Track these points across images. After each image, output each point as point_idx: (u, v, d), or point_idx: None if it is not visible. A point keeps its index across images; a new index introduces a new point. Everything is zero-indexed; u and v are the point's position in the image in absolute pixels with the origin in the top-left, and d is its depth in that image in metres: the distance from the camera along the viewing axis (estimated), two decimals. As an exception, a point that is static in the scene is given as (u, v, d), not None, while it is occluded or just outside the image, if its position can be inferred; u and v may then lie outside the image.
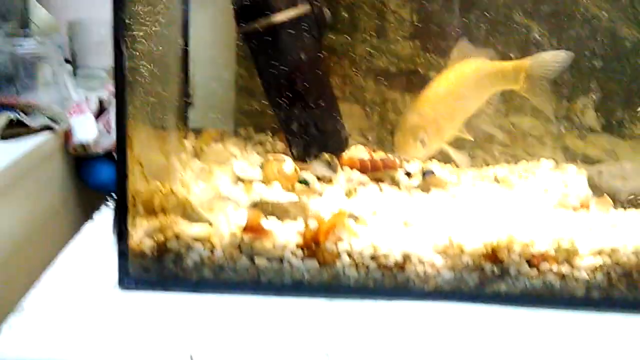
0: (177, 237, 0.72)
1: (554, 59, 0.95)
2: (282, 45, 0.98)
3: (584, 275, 0.72)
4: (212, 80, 1.14)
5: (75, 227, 0.89)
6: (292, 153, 1.03)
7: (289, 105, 1.01)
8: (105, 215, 0.93)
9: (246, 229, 0.72)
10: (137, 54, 0.71)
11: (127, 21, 0.67)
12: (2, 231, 0.85)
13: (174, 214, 0.75)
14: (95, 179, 1.09)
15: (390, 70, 1.11)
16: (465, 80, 0.94)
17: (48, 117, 0.98)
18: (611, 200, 0.90)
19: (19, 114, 0.94)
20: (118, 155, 0.67)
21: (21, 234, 0.90)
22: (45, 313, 0.67)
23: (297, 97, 1.00)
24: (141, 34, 0.72)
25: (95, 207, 0.95)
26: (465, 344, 0.66)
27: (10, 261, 0.87)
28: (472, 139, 0.98)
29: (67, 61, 1.27)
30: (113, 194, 1.02)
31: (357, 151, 1.10)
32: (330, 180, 0.97)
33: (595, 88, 1.09)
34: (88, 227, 0.90)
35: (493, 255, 0.72)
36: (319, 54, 1.04)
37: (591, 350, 0.66)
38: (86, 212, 0.96)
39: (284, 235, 0.73)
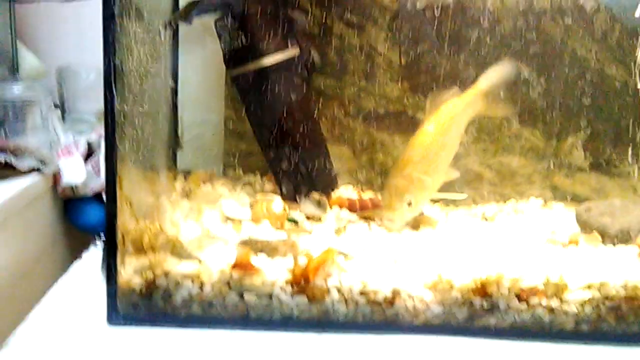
0: (166, 274, 0.71)
1: (499, 69, 0.99)
2: (271, 88, 0.99)
3: (573, 309, 0.72)
4: (200, 122, 1.15)
5: (64, 268, 0.89)
6: (281, 193, 1.04)
7: (278, 146, 1.02)
8: (93, 255, 0.93)
9: (235, 265, 0.72)
10: (127, 95, 0.72)
11: (117, 64, 0.68)
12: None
13: (163, 251, 0.75)
14: (83, 220, 1.09)
15: (378, 112, 1.12)
16: (444, 128, 0.95)
17: (37, 160, 0.99)
18: (600, 237, 0.91)
19: (7, 156, 0.94)
20: (107, 194, 0.68)
21: (9, 275, 0.90)
22: (32, 347, 0.67)
23: (286, 138, 1.02)
24: (131, 77, 0.73)
25: (84, 249, 0.95)
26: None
27: (1, 297, 0.86)
28: (457, 175, 0.99)
29: (56, 106, 1.28)
30: (101, 235, 1.02)
31: (345, 191, 1.11)
32: (319, 219, 0.97)
33: (584, 127, 1.10)
34: (76, 266, 0.90)
35: (482, 290, 0.72)
36: (307, 96, 1.05)
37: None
38: (74, 253, 0.96)
39: (273, 272, 0.73)
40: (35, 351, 0.66)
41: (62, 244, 1.11)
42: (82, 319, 0.73)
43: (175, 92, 1.09)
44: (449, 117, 0.95)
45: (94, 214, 1.09)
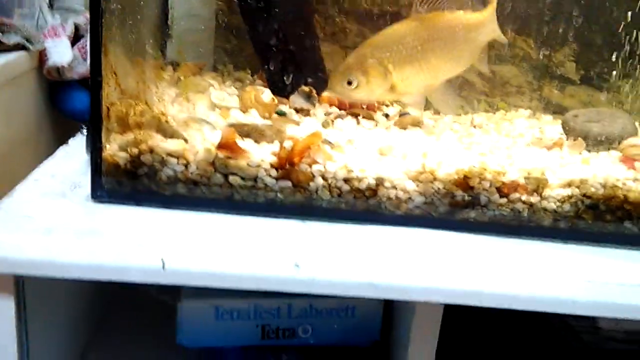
0: (151, 150, 0.71)
1: None
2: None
3: (552, 205, 0.74)
4: (191, 15, 1.12)
5: (49, 152, 0.89)
6: (271, 89, 1.03)
7: (270, 40, 1.00)
8: (79, 141, 0.92)
9: (221, 146, 0.72)
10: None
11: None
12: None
13: (149, 128, 0.74)
14: (69, 106, 1.08)
15: (373, 11, 1.10)
16: (434, 30, 0.90)
17: (23, 37, 0.96)
18: (584, 143, 0.91)
19: (-7, 30, 0.92)
20: (92, 61, 0.66)
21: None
22: (17, 216, 0.67)
23: (279, 33, 0.99)
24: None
25: (70, 136, 0.95)
26: (431, 267, 0.67)
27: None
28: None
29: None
30: (87, 122, 1.01)
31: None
32: (307, 113, 0.96)
33: (577, 37, 1.09)
34: (62, 149, 0.89)
35: (464, 183, 0.73)
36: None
37: (555, 279, 0.67)
38: (60, 139, 0.96)
39: (259, 155, 0.73)
40: (18, 219, 0.67)
41: (48, 129, 1.10)
42: (66, 196, 0.73)
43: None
44: (447, 21, 0.91)
45: (79, 100, 1.08)
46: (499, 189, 0.73)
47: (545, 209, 0.74)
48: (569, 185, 0.74)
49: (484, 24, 0.94)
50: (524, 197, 0.73)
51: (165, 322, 0.88)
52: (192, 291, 0.87)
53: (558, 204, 0.73)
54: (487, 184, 0.73)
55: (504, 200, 0.73)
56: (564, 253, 0.72)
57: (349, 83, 0.89)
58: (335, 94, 0.93)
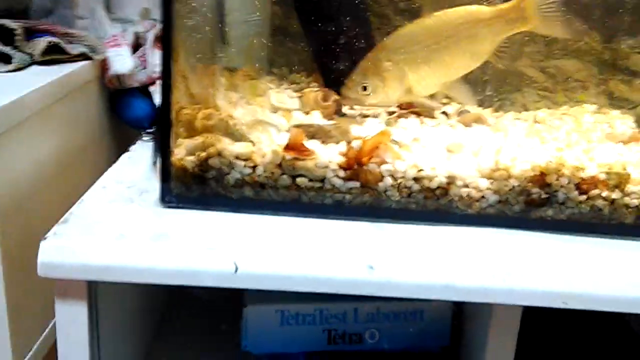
0: (219, 154, 0.71)
1: None
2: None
3: (634, 201, 0.70)
4: (245, 20, 1.12)
5: (111, 159, 0.90)
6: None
7: (328, 42, 0.99)
8: (141, 148, 0.93)
9: (288, 147, 0.71)
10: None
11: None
12: (40, 150, 0.85)
13: (216, 131, 0.74)
14: (129, 113, 1.09)
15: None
16: (446, 27, 0.86)
17: (86, 46, 0.98)
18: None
19: (58, 39, 0.94)
20: (163, 64, 0.66)
21: (59, 156, 0.91)
22: (88, 223, 0.67)
23: (337, 34, 0.98)
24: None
25: (131, 143, 0.96)
26: (511, 268, 0.64)
27: (47, 183, 0.87)
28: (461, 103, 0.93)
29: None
30: (148, 128, 1.02)
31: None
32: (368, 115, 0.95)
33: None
34: (125, 156, 0.90)
35: (541, 180, 0.70)
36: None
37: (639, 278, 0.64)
38: (121, 146, 0.97)
39: (326, 155, 0.72)
40: (90, 225, 0.67)
41: (109, 136, 1.11)
42: (134, 202, 0.74)
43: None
44: (461, 18, 0.86)
45: (140, 107, 1.09)
46: (577, 186, 0.70)
47: (627, 206, 0.70)
48: (653, 179, 0.70)
49: (503, 17, 0.87)
50: (604, 194, 0.70)
51: (227, 323, 0.88)
52: (257, 295, 0.87)
53: (641, 199, 0.70)
54: (565, 181, 0.70)
55: (583, 197, 0.70)
56: (649, 251, 0.69)
57: (364, 89, 0.88)
58: (349, 102, 0.91)
